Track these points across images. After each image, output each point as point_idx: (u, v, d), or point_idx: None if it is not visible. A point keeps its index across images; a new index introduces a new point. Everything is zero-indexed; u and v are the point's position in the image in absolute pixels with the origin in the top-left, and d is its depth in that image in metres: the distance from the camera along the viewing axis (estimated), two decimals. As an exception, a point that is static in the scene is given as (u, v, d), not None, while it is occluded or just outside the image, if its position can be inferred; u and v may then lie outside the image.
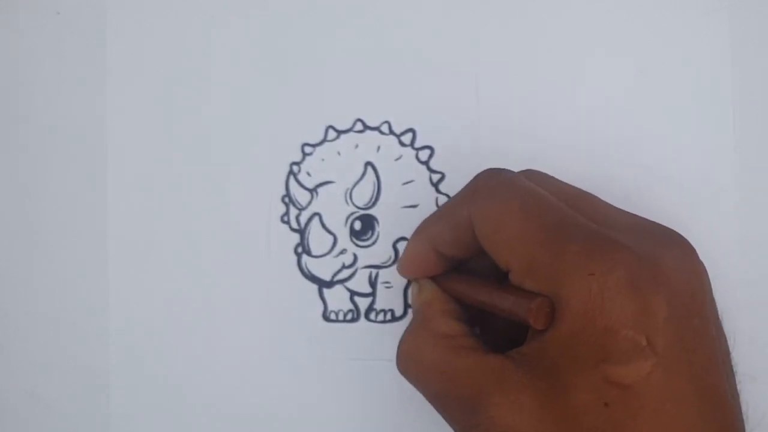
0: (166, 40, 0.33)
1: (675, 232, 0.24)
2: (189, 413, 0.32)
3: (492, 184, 0.25)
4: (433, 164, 0.32)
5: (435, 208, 0.32)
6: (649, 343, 0.21)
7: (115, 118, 0.33)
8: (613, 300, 0.21)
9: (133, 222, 0.33)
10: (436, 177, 0.32)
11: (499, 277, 0.26)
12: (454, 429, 0.24)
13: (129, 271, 0.33)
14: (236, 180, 0.32)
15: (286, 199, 0.32)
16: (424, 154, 0.32)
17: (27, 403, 0.33)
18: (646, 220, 0.25)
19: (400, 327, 0.32)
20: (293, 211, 0.32)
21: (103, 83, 0.33)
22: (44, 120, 0.33)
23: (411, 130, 0.32)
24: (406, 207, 0.32)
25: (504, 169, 0.26)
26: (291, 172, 0.32)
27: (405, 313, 0.32)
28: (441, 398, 0.25)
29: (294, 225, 0.32)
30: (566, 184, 0.27)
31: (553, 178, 0.27)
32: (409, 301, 0.29)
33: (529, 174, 0.27)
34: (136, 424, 0.33)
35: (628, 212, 0.26)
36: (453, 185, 0.32)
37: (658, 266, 0.22)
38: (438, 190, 0.32)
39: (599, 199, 0.26)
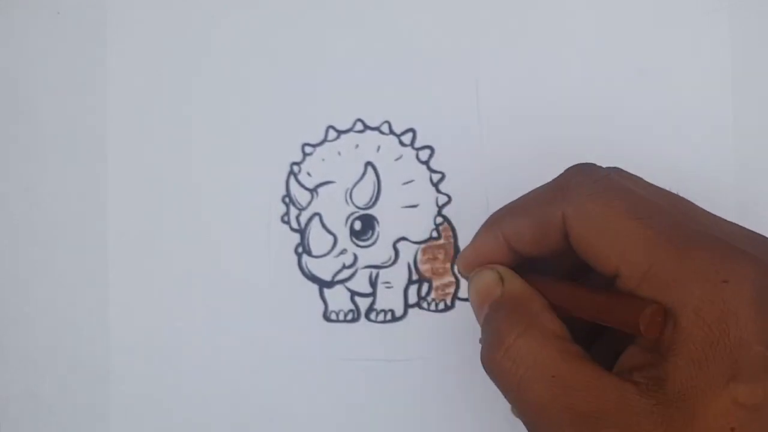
0: (166, 40, 0.33)
1: None
2: (189, 413, 0.32)
3: (588, 181, 0.23)
4: (433, 164, 0.32)
5: (435, 208, 0.32)
6: None
7: (115, 118, 0.33)
8: (748, 312, 0.20)
9: (134, 222, 0.33)
10: (436, 177, 0.32)
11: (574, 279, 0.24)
12: None
13: (129, 271, 0.33)
14: (237, 180, 0.32)
15: (287, 199, 0.32)
16: (424, 154, 0.32)
17: (27, 402, 0.33)
18: (743, 227, 0.23)
19: (401, 327, 0.32)
20: (293, 211, 0.32)
21: (103, 83, 0.33)
22: (45, 120, 0.33)
23: (411, 130, 0.32)
24: (406, 207, 0.32)
25: (594, 165, 0.24)
26: (291, 172, 0.32)
27: (405, 313, 0.32)
28: (544, 405, 0.22)
29: (294, 225, 0.32)
30: (658, 187, 0.25)
31: (641, 178, 0.25)
32: (473, 291, 0.26)
33: (617, 172, 0.25)
34: (137, 424, 0.33)
35: (724, 219, 0.24)
36: (453, 185, 0.32)
37: None
38: (438, 190, 0.32)
39: (695, 205, 0.24)
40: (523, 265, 0.25)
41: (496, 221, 0.25)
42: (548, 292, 0.24)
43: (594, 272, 0.23)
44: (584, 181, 0.23)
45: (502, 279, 0.25)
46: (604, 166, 0.27)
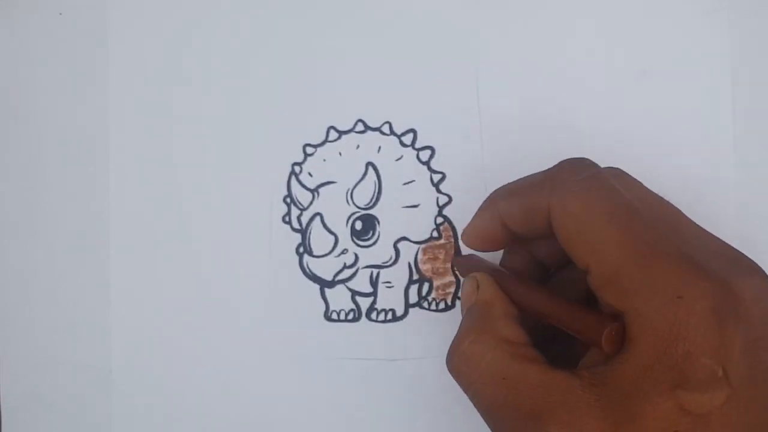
0: (167, 41, 0.33)
1: (751, 260, 0.24)
2: (190, 413, 0.32)
3: (576, 177, 0.24)
4: (433, 164, 0.32)
5: (435, 209, 0.32)
6: (725, 374, 0.21)
7: (117, 119, 0.33)
8: (697, 327, 0.21)
9: (135, 222, 0.33)
10: (436, 177, 0.32)
11: (562, 265, 0.26)
12: None
13: (131, 272, 0.33)
14: (238, 180, 0.33)
15: (288, 200, 0.32)
16: (424, 155, 0.32)
17: (29, 402, 0.33)
18: (724, 243, 0.25)
19: (401, 327, 0.32)
20: (295, 212, 0.32)
21: (105, 84, 0.33)
22: (47, 121, 0.33)
23: (412, 130, 0.32)
24: (406, 207, 0.32)
25: (588, 161, 0.25)
26: (293, 172, 0.32)
27: (406, 312, 0.32)
28: (495, 407, 0.23)
29: (295, 225, 0.32)
30: (651, 191, 0.26)
31: (637, 181, 0.26)
32: (460, 295, 0.28)
33: (612, 173, 0.26)
34: (138, 424, 0.33)
35: (708, 232, 0.25)
36: (453, 185, 0.32)
37: (740, 298, 0.22)
38: (439, 190, 0.32)
39: (683, 214, 0.25)
40: (520, 251, 0.27)
41: (493, 200, 0.27)
42: (522, 298, 0.25)
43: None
44: (571, 176, 0.24)
45: (478, 286, 0.27)
46: (604, 166, 0.27)
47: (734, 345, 0.21)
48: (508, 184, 0.27)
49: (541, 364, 0.23)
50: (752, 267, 0.23)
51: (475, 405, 0.24)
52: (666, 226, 0.24)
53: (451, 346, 0.25)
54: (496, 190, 0.27)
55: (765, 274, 0.23)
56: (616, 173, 0.26)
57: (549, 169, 0.25)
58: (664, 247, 0.22)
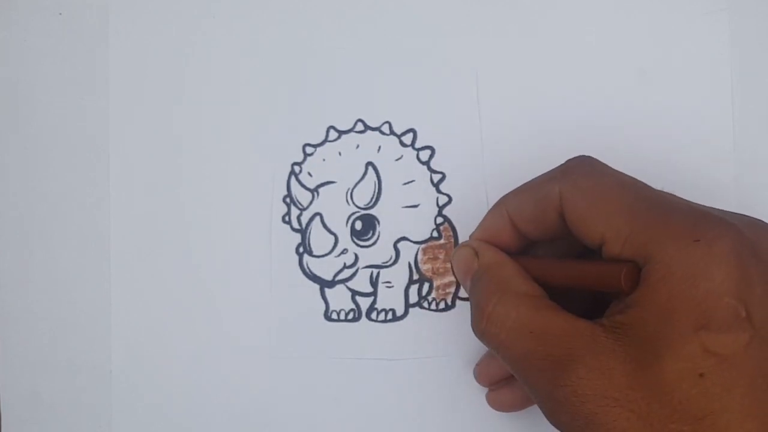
0: (168, 41, 0.33)
1: (762, 220, 0.25)
2: (190, 413, 0.32)
3: (584, 164, 0.26)
4: (433, 164, 0.32)
5: (435, 208, 0.32)
6: (748, 314, 0.21)
7: (117, 119, 0.33)
8: (718, 267, 0.21)
9: (136, 222, 0.33)
10: (436, 177, 0.32)
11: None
12: (534, 392, 0.24)
13: (131, 272, 0.33)
14: (238, 180, 0.33)
15: (288, 200, 0.32)
16: (424, 154, 0.32)
17: (30, 402, 0.33)
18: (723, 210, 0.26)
19: (401, 326, 0.32)
20: (294, 212, 0.32)
21: (105, 84, 0.33)
22: (47, 120, 0.33)
23: (412, 130, 0.32)
24: (406, 207, 0.32)
25: (592, 157, 0.27)
26: (292, 172, 0.32)
27: (406, 312, 0.32)
28: (526, 359, 0.24)
29: (295, 225, 0.32)
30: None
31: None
32: (454, 267, 0.29)
33: None
34: (138, 424, 0.33)
35: (711, 207, 0.26)
36: (453, 185, 0.32)
37: (757, 244, 0.22)
38: (438, 190, 0.32)
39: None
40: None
41: (502, 200, 0.28)
42: (533, 268, 0.26)
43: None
44: (579, 164, 0.26)
45: (476, 253, 0.28)
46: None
47: (755, 285, 0.21)
48: (517, 186, 0.28)
49: (564, 313, 0.24)
50: (757, 219, 0.24)
51: (504, 360, 0.25)
52: (670, 195, 0.25)
53: (474, 313, 0.26)
54: (506, 193, 0.28)
55: None
56: None
57: (558, 166, 0.27)
58: (675, 203, 0.24)
